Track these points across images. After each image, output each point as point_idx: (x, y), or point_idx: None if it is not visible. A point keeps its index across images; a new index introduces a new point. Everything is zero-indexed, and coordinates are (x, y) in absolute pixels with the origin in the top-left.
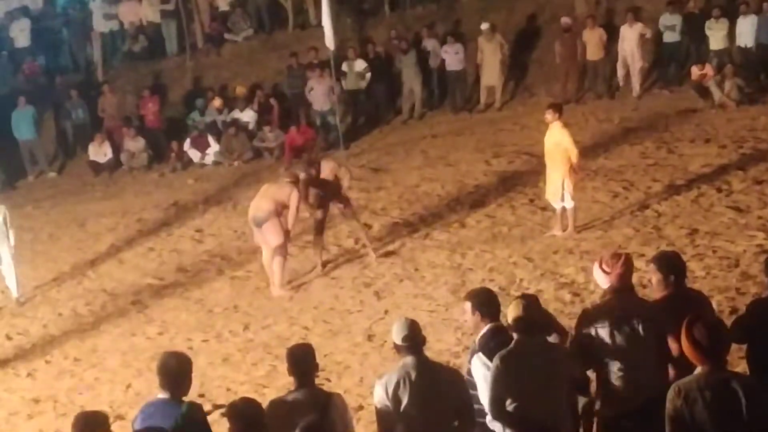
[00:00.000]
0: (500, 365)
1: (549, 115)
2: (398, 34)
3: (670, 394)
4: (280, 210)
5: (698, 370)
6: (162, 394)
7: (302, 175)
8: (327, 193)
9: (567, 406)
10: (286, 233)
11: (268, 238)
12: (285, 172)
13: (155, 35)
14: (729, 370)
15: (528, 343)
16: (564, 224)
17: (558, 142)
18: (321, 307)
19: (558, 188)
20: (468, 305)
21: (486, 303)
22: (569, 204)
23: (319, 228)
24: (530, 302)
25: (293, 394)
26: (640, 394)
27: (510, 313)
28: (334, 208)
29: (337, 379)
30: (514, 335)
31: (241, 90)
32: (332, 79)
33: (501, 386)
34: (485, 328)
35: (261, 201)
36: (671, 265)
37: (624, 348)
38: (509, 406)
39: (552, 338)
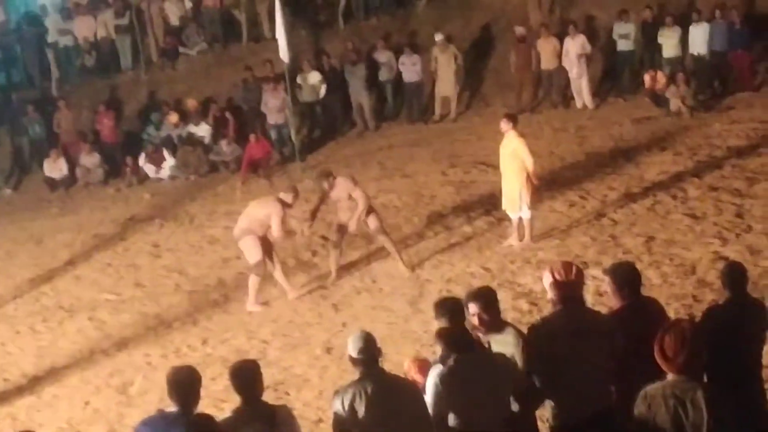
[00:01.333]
0: (439, 383)
1: (504, 125)
2: (354, 46)
3: (638, 398)
4: (256, 228)
5: (669, 377)
6: (172, 408)
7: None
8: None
9: (510, 417)
10: (266, 250)
11: (245, 255)
12: (287, 188)
13: (110, 50)
14: (698, 379)
15: (466, 359)
16: (521, 234)
17: (514, 152)
18: (280, 321)
19: (515, 198)
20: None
21: (454, 312)
22: (526, 214)
23: (338, 241)
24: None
25: (239, 411)
26: (588, 407)
27: (436, 334)
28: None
29: (297, 392)
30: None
31: (192, 103)
32: (287, 91)
33: (442, 403)
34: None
35: (241, 217)
36: (624, 276)
37: (573, 361)
38: (451, 422)
39: (506, 335)
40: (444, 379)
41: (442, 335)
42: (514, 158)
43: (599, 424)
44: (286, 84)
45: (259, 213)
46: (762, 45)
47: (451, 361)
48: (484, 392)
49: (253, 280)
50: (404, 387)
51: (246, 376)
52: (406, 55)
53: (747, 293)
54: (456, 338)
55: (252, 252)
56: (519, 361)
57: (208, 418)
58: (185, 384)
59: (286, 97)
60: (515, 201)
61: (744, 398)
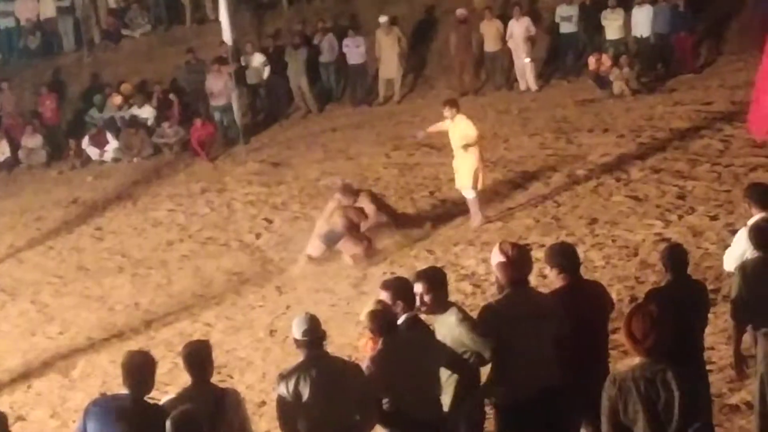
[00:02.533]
0: (371, 367)
1: (447, 112)
2: (296, 29)
3: (606, 383)
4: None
5: (637, 360)
6: (124, 391)
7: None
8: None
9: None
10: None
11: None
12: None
13: (52, 32)
14: (666, 361)
15: (395, 342)
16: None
17: (465, 135)
18: (223, 303)
19: (469, 178)
20: (385, 295)
21: (403, 290)
22: (471, 195)
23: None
24: (384, 304)
25: (187, 391)
26: (534, 386)
27: (367, 317)
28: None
29: (240, 375)
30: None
31: (126, 87)
32: (230, 74)
33: (374, 387)
34: (402, 318)
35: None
36: (561, 258)
37: (520, 343)
38: (384, 405)
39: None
40: (375, 362)
41: (369, 317)
42: (464, 140)
43: (545, 404)
44: (229, 66)
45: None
46: (704, 27)
47: (379, 344)
48: (411, 372)
49: None
50: (349, 369)
51: (198, 357)
52: (349, 38)
53: (688, 275)
54: (381, 320)
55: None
56: (464, 337)
57: (159, 407)
58: (139, 369)
59: (230, 79)
60: (469, 181)
61: None
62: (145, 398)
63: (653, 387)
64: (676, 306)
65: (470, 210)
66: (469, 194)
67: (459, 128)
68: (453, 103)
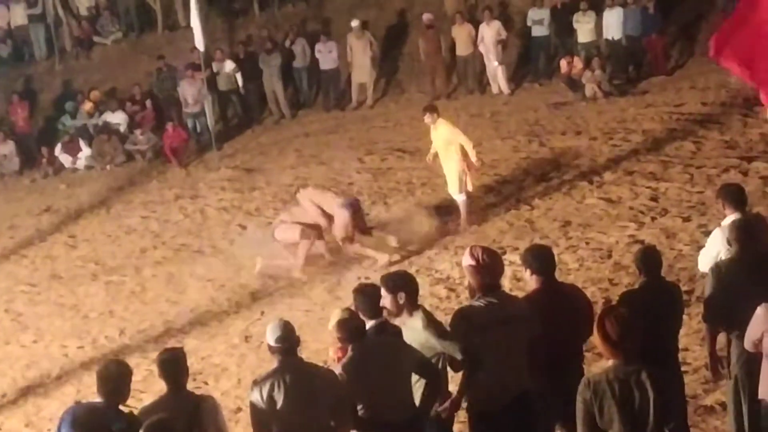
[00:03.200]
0: (343, 374)
1: (428, 118)
2: (268, 34)
3: (581, 386)
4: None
5: (610, 362)
6: (98, 399)
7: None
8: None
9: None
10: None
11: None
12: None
13: (23, 39)
14: (639, 362)
15: (364, 348)
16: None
17: (448, 140)
18: (197, 310)
19: (456, 182)
20: (355, 301)
21: (369, 298)
22: (461, 198)
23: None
24: (351, 311)
25: (163, 399)
26: (507, 390)
27: (334, 326)
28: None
29: (215, 381)
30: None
31: (95, 95)
32: (203, 80)
33: (348, 394)
34: (370, 324)
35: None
36: (535, 260)
37: (494, 347)
38: (360, 411)
39: (414, 320)
40: (346, 369)
41: (337, 326)
42: (449, 145)
43: (517, 409)
44: (202, 72)
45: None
46: (675, 29)
47: (349, 351)
48: (383, 376)
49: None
50: (322, 375)
51: (173, 364)
52: (321, 43)
53: (662, 277)
54: (349, 328)
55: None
56: (432, 342)
57: (133, 416)
58: (113, 378)
59: (203, 85)
60: (457, 185)
61: None
62: (120, 407)
63: (628, 388)
64: (651, 308)
65: (460, 213)
66: (458, 198)
67: (441, 133)
68: (433, 109)
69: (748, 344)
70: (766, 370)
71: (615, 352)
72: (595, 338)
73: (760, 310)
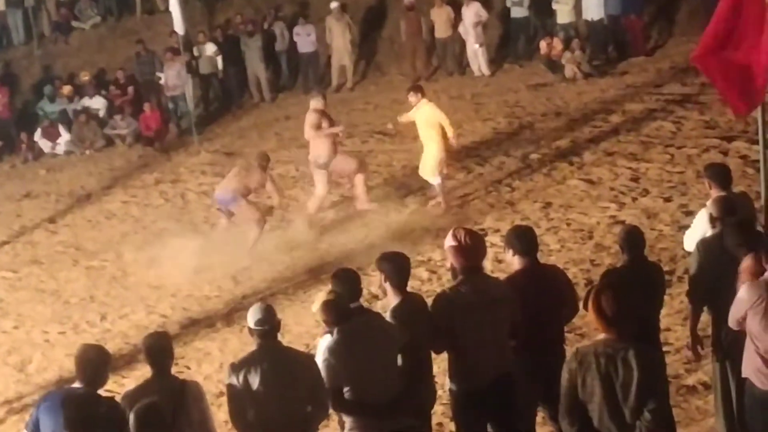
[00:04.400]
0: (329, 356)
1: (413, 98)
2: (246, 18)
3: (569, 356)
4: (246, 193)
5: (602, 336)
6: (77, 384)
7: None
8: None
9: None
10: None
11: (242, 219)
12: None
13: (2, 25)
14: (630, 340)
15: (351, 329)
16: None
17: (428, 120)
18: (179, 295)
19: (433, 165)
20: (334, 284)
21: (342, 284)
22: (437, 180)
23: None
24: (336, 293)
25: (148, 384)
26: (490, 372)
27: (318, 308)
28: None
29: (197, 366)
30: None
31: (85, 75)
32: (183, 63)
33: (334, 376)
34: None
35: (228, 182)
36: (517, 241)
37: (476, 330)
38: (346, 393)
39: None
40: (332, 352)
41: (322, 308)
42: (430, 126)
43: (501, 388)
44: (181, 55)
45: (249, 180)
46: (654, 9)
47: (335, 333)
48: (370, 358)
49: (254, 233)
50: (300, 360)
51: (157, 348)
52: (300, 26)
53: (644, 256)
54: (335, 310)
55: (250, 213)
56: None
57: (113, 400)
58: (93, 363)
59: (183, 68)
60: (433, 167)
61: None
62: (99, 391)
63: (613, 364)
64: (632, 287)
65: (435, 196)
66: (434, 180)
67: (424, 114)
68: (418, 89)
69: (732, 322)
70: (750, 348)
71: (608, 328)
72: (590, 312)
73: (743, 288)
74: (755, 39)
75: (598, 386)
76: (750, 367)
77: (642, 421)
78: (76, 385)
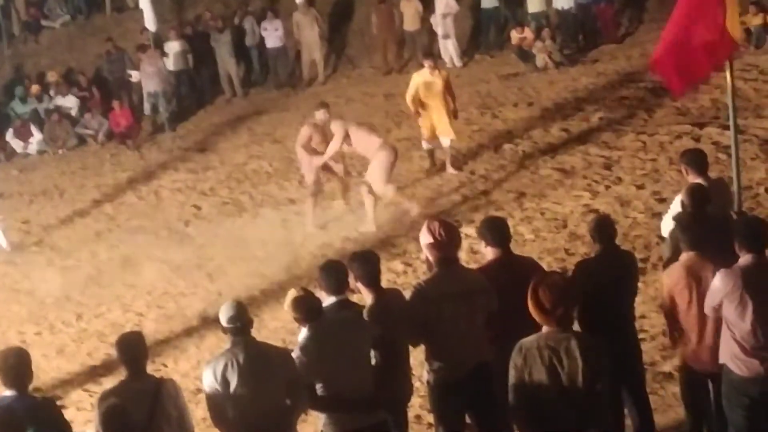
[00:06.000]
0: (300, 353)
1: (430, 63)
2: (213, 14)
3: (514, 351)
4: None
5: (543, 329)
6: (8, 392)
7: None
8: None
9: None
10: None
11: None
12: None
13: None
14: (571, 330)
15: (321, 326)
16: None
17: (442, 89)
18: (154, 293)
19: (448, 126)
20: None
21: (328, 276)
22: (447, 143)
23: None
24: (306, 290)
25: (124, 383)
26: (467, 363)
27: (290, 307)
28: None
29: (174, 363)
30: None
31: (53, 75)
32: (161, 59)
33: (307, 373)
34: (328, 301)
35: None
36: (489, 232)
37: (453, 320)
38: (319, 390)
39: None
40: (304, 350)
41: (293, 305)
42: (441, 94)
43: (476, 379)
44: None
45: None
46: None
47: (306, 330)
48: (341, 354)
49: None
50: (276, 354)
51: (131, 348)
52: (267, 21)
53: (617, 245)
54: (304, 306)
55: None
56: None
57: (51, 401)
58: (16, 366)
59: (163, 64)
60: (449, 128)
61: (618, 349)
62: (30, 392)
63: (557, 356)
64: (606, 276)
65: (446, 160)
66: (447, 141)
67: (439, 83)
68: (435, 58)
69: (707, 310)
70: (726, 334)
71: (548, 320)
72: (530, 306)
73: (718, 276)
74: (707, 21)
75: (545, 379)
76: (727, 353)
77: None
78: (8, 392)
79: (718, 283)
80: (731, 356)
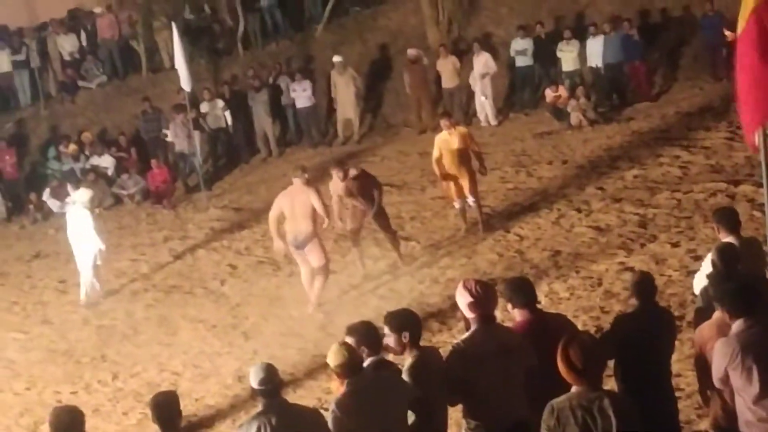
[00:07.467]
0: (337, 411)
1: (447, 122)
2: (254, 73)
3: (545, 413)
4: (317, 220)
5: (574, 389)
6: None
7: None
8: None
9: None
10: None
11: (311, 258)
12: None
13: (8, 86)
14: (602, 388)
15: (360, 384)
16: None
17: (463, 147)
18: (190, 352)
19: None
20: (350, 340)
21: (367, 336)
22: (472, 201)
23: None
24: (349, 346)
25: None
26: (504, 421)
27: (333, 360)
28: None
29: (210, 422)
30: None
31: (87, 136)
32: (190, 120)
33: (341, 430)
34: (368, 361)
35: (299, 222)
36: (516, 293)
37: (491, 379)
38: None
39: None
40: (340, 406)
41: (334, 360)
42: (459, 151)
43: None
44: (187, 112)
45: (308, 203)
46: (658, 54)
47: (345, 387)
48: (378, 413)
49: (320, 282)
50: (307, 415)
51: (165, 408)
52: (296, 82)
53: (655, 302)
54: (346, 362)
55: (319, 255)
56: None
57: None
58: (67, 427)
59: (191, 126)
60: (469, 188)
61: (655, 405)
62: None
63: (590, 415)
64: (644, 332)
65: (479, 219)
66: (472, 200)
67: (457, 141)
68: (450, 116)
69: (716, 382)
70: (741, 405)
71: (579, 380)
72: (560, 366)
73: (717, 348)
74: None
75: None
76: (742, 421)
77: None
78: None
79: (718, 355)
80: (745, 423)
